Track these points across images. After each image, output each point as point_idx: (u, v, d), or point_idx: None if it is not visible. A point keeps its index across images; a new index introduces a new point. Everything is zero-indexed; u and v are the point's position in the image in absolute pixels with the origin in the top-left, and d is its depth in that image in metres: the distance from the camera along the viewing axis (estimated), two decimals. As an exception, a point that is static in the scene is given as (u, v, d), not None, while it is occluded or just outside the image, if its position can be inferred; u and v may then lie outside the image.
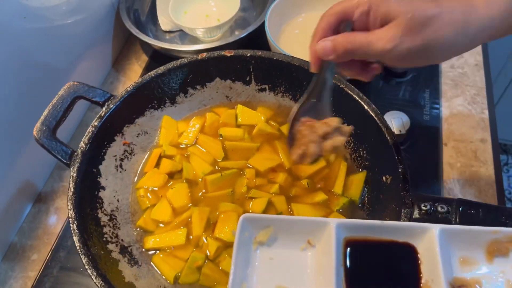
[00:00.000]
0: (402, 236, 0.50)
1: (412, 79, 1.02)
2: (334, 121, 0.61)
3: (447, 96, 1.00)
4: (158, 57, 1.06)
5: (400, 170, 0.66)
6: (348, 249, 0.50)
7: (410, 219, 0.61)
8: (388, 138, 0.69)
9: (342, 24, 0.53)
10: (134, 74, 1.06)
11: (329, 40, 0.52)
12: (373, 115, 0.71)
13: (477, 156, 0.90)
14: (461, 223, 0.58)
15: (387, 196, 0.67)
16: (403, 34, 0.46)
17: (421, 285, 0.47)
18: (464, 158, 0.90)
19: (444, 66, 1.05)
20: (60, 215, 0.85)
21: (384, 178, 0.69)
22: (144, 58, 1.10)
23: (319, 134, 0.60)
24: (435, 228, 0.48)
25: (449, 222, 0.59)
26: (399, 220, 0.61)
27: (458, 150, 0.91)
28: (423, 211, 0.61)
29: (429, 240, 0.48)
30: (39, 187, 0.88)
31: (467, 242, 0.49)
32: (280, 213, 0.70)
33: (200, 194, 0.73)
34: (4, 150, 0.76)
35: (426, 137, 0.91)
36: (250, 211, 0.70)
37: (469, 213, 0.58)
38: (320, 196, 0.71)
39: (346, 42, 0.50)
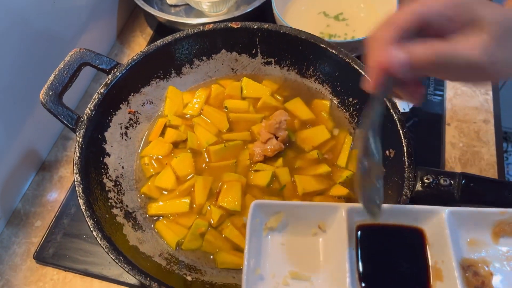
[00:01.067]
0: (411, 219, 0.50)
1: (417, 59, 1.01)
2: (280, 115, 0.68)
3: (452, 77, 0.99)
4: (163, 30, 1.05)
5: (404, 144, 0.66)
6: (359, 233, 0.50)
7: (413, 192, 0.61)
8: (393, 112, 0.69)
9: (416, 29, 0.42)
10: (138, 47, 1.06)
11: (402, 49, 0.40)
12: (378, 89, 0.71)
13: (480, 137, 0.90)
14: (463, 196, 0.59)
15: (390, 170, 0.67)
16: (496, 42, 0.39)
17: (430, 266, 0.48)
18: (467, 138, 0.90)
19: (450, 47, 1.04)
20: (64, 183, 0.86)
21: (387, 152, 0.69)
22: (148, 32, 1.09)
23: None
24: (443, 211, 0.48)
25: (452, 196, 0.59)
26: (402, 193, 0.62)
27: (461, 130, 0.91)
28: (425, 184, 0.61)
29: (438, 223, 0.48)
30: (43, 156, 0.89)
31: (474, 224, 0.49)
32: (284, 186, 0.70)
33: (203, 164, 0.73)
34: (10, 118, 0.76)
35: (429, 117, 0.92)
36: (253, 184, 0.71)
37: (472, 187, 0.59)
38: (324, 168, 0.71)
39: (430, 52, 0.40)
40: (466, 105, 0.95)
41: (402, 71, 0.40)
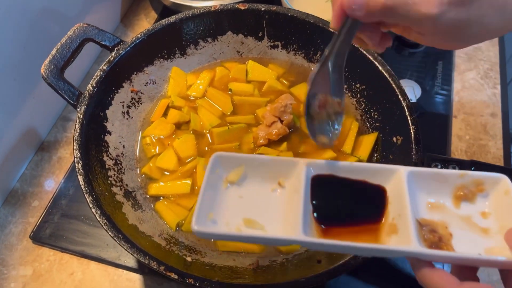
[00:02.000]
0: (373, 177, 0.50)
1: (425, 50, 1.00)
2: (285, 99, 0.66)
3: (460, 69, 0.98)
4: (167, 14, 1.03)
5: (411, 130, 0.65)
6: (318, 186, 0.49)
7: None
8: (401, 99, 0.68)
9: None
10: (142, 30, 1.04)
11: None
12: (387, 76, 0.70)
13: (487, 130, 0.89)
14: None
15: (397, 157, 0.66)
16: (451, 2, 0.40)
17: (386, 222, 0.47)
18: (473, 131, 0.89)
19: (459, 39, 1.03)
20: (63, 164, 0.84)
21: (394, 138, 0.68)
22: (153, 15, 1.08)
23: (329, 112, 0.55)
24: (403, 170, 0.47)
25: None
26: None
27: (468, 123, 0.90)
28: (433, 171, 0.60)
29: (398, 181, 0.47)
30: (43, 136, 0.87)
31: (435, 187, 0.48)
32: None
33: (206, 146, 0.72)
34: (10, 96, 0.75)
35: (436, 108, 0.90)
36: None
37: (481, 173, 0.57)
38: (329, 154, 0.70)
39: None
40: (473, 98, 0.93)
41: (358, 13, 0.43)
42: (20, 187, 0.81)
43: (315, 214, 0.47)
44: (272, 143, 0.72)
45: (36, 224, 0.75)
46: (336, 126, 0.53)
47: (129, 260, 0.70)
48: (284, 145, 0.71)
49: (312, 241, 0.44)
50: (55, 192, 0.79)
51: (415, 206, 0.47)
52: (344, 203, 0.49)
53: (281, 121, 0.71)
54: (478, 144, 0.87)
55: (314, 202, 0.48)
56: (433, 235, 0.44)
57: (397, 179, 0.48)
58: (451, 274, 0.41)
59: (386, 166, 0.49)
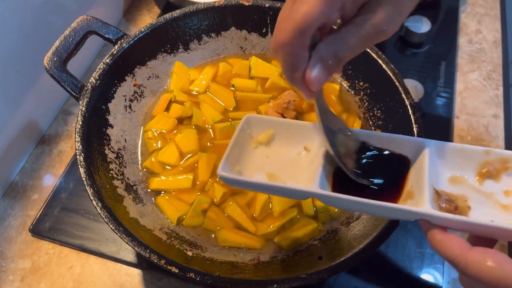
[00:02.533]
0: (397, 147, 0.50)
1: (428, 51, 1.00)
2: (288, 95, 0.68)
3: (462, 70, 0.98)
4: (170, 9, 1.02)
5: (415, 129, 0.65)
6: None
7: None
8: (405, 97, 0.67)
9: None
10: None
11: (315, 63, 0.40)
12: (391, 74, 0.70)
13: (489, 131, 0.89)
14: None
15: (400, 155, 0.66)
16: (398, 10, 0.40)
17: (405, 189, 0.47)
18: (475, 132, 0.89)
19: (462, 40, 1.03)
20: (63, 157, 0.84)
21: (397, 137, 0.67)
22: (156, 11, 1.07)
23: None
24: (428, 142, 0.48)
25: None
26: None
27: (470, 124, 0.90)
28: (436, 169, 0.59)
29: (421, 152, 0.48)
30: (44, 129, 0.87)
31: (459, 162, 0.48)
32: None
33: (208, 141, 0.72)
34: (11, 87, 0.74)
35: (438, 108, 0.90)
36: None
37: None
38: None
39: (339, 52, 0.41)
40: (476, 99, 0.93)
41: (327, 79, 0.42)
42: (20, 180, 0.81)
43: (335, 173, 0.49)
44: None
45: (35, 217, 0.74)
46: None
47: (129, 254, 0.70)
48: None
49: (327, 194, 0.45)
50: (55, 186, 0.78)
51: (436, 177, 0.47)
52: (367, 168, 0.50)
53: (284, 117, 0.71)
54: (479, 145, 0.87)
55: (335, 173, 0.49)
56: (450, 204, 0.44)
57: (420, 151, 0.48)
58: (463, 239, 0.40)
59: (412, 138, 0.50)
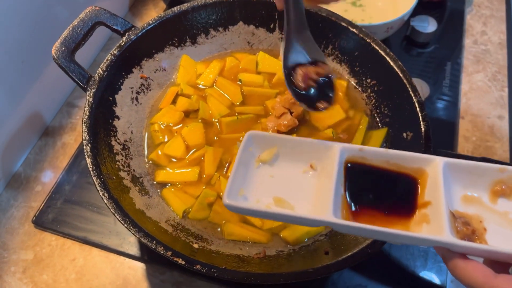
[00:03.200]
0: (407, 166, 0.49)
1: (434, 51, 1.00)
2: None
3: (468, 71, 0.98)
4: (176, 4, 1.03)
5: (422, 127, 0.64)
6: (351, 172, 0.49)
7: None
8: (413, 95, 0.67)
9: None
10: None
11: None
12: (399, 71, 0.70)
13: (493, 132, 0.89)
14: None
15: (407, 152, 0.66)
16: None
17: (418, 212, 0.46)
18: (480, 132, 0.89)
19: (468, 41, 1.03)
20: (67, 150, 0.83)
21: (404, 134, 0.67)
22: (162, 6, 1.07)
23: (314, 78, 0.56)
24: (440, 160, 0.47)
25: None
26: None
27: (475, 124, 0.90)
28: (444, 167, 0.59)
29: (433, 171, 0.47)
30: (48, 121, 0.87)
31: (471, 179, 0.47)
32: None
33: (214, 135, 0.71)
34: (17, 78, 0.74)
35: (443, 108, 0.90)
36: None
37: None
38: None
39: None
40: (481, 99, 0.93)
41: None
42: (23, 171, 0.81)
43: (346, 198, 0.47)
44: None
45: (38, 209, 0.74)
46: (327, 90, 0.54)
47: (132, 248, 0.70)
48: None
49: (342, 223, 0.43)
50: (58, 178, 0.78)
51: (449, 197, 0.46)
52: (376, 190, 0.48)
53: (291, 113, 0.70)
54: (484, 145, 0.87)
55: (346, 186, 0.48)
56: (467, 228, 0.43)
57: (432, 169, 0.47)
58: (485, 266, 0.40)
59: (422, 155, 0.48)
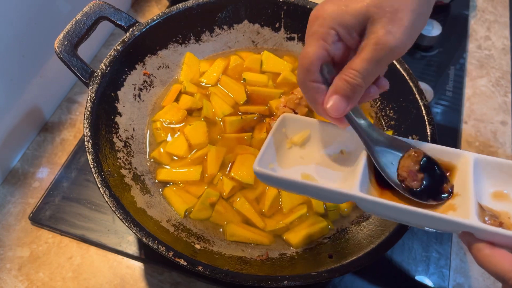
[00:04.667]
0: (439, 158, 0.49)
1: (437, 55, 1.00)
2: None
3: (471, 76, 0.98)
4: (178, 2, 1.02)
5: (428, 130, 0.64)
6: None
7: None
8: (419, 98, 0.67)
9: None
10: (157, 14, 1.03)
11: (330, 94, 0.44)
12: (405, 74, 0.69)
13: (497, 137, 0.88)
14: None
15: (412, 155, 0.65)
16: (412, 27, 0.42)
17: (446, 202, 0.46)
18: (483, 138, 0.88)
19: (471, 46, 1.03)
20: (66, 146, 0.82)
21: (410, 138, 0.66)
22: (164, 3, 1.06)
23: None
24: (471, 155, 0.47)
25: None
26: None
27: (478, 130, 0.89)
28: (450, 171, 0.59)
29: (464, 165, 0.47)
30: (47, 116, 0.85)
31: (502, 178, 0.47)
32: None
33: (217, 134, 0.70)
34: (16, 72, 0.72)
35: (446, 112, 0.90)
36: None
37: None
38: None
39: (350, 80, 0.43)
40: (484, 105, 0.93)
41: (348, 108, 0.45)
42: (21, 167, 0.79)
43: (375, 180, 0.47)
44: None
45: (36, 205, 0.73)
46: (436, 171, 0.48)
47: (130, 247, 0.69)
48: None
49: (368, 198, 0.43)
50: (56, 174, 0.76)
51: (478, 191, 0.45)
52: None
53: (295, 113, 0.69)
54: (487, 151, 0.86)
55: (374, 172, 0.48)
56: (494, 220, 0.42)
57: (462, 163, 0.47)
58: None
59: (452, 150, 0.48)
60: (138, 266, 0.69)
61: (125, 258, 0.69)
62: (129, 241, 0.69)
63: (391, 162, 0.47)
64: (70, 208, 0.72)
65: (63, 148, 0.82)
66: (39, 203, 0.73)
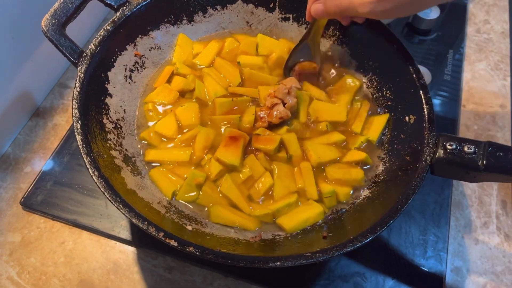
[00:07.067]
0: None
1: (435, 38, 0.98)
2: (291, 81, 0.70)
3: (470, 59, 0.96)
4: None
5: (425, 110, 0.62)
6: None
7: (433, 158, 0.58)
8: (416, 77, 0.65)
9: None
10: None
11: (320, 3, 0.62)
12: (402, 53, 0.67)
13: (495, 121, 0.87)
14: (488, 165, 0.55)
15: (409, 136, 0.64)
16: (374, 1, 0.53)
17: None
18: (482, 121, 0.87)
19: (470, 30, 1.01)
20: (58, 131, 0.81)
21: (407, 118, 0.65)
22: (158, -13, 1.04)
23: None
24: None
25: (475, 164, 0.56)
26: (421, 159, 0.58)
27: (477, 113, 0.88)
28: (448, 150, 0.57)
29: None
30: (39, 101, 0.84)
31: None
32: (291, 156, 0.66)
33: (209, 116, 0.69)
34: (7, 56, 0.71)
35: (445, 96, 0.88)
36: (259, 146, 0.66)
37: (498, 155, 0.55)
38: (337, 136, 0.67)
39: (335, 5, 0.58)
40: (483, 88, 0.92)
41: (322, 16, 0.63)
42: (12, 152, 0.78)
43: None
44: (272, 127, 0.68)
45: (27, 190, 0.72)
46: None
47: (123, 231, 0.68)
48: (284, 129, 0.68)
49: None
50: (48, 159, 0.75)
51: None
52: None
53: (284, 104, 0.68)
54: (486, 134, 0.85)
55: None
56: None
57: None
58: None
59: None
60: (131, 250, 0.68)
61: (118, 243, 0.68)
62: (122, 226, 0.68)
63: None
64: (62, 193, 0.71)
65: (55, 133, 0.81)
66: (30, 188, 0.72)
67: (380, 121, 0.69)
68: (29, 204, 0.70)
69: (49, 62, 0.82)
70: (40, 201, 0.70)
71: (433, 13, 0.96)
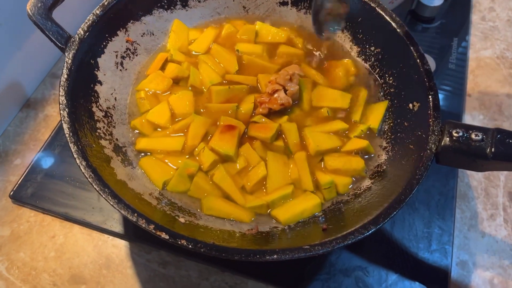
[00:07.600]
0: None
1: (439, 26, 0.95)
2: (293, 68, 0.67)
3: (475, 48, 0.93)
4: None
5: (430, 97, 0.60)
6: None
7: (438, 147, 0.55)
8: (420, 63, 0.62)
9: None
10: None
11: None
12: (405, 38, 0.65)
13: (502, 110, 0.84)
14: (497, 153, 0.52)
15: (413, 124, 0.61)
16: None
17: None
18: (488, 111, 0.84)
19: (475, 18, 0.98)
20: (49, 122, 0.78)
21: (410, 105, 0.62)
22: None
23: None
24: None
25: (483, 152, 0.53)
26: (426, 147, 0.55)
27: (482, 102, 0.85)
28: (454, 138, 0.55)
29: None
30: (29, 92, 0.81)
31: None
32: (288, 146, 0.63)
33: (204, 105, 0.66)
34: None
35: (449, 84, 0.86)
36: (254, 135, 0.63)
37: (508, 142, 0.52)
38: (339, 125, 0.64)
39: None
40: (489, 77, 0.89)
41: None
42: (2, 143, 0.76)
43: None
44: (272, 114, 0.65)
45: (17, 183, 0.69)
46: (336, 26, 0.67)
47: (116, 225, 0.65)
48: (285, 118, 0.65)
49: None
50: (39, 151, 0.73)
51: None
52: None
53: (285, 91, 0.65)
54: (492, 124, 0.82)
55: None
56: None
57: None
58: None
59: None
60: (124, 245, 0.65)
61: (111, 237, 0.66)
62: (115, 219, 0.66)
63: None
64: (53, 186, 0.69)
65: (47, 124, 0.78)
66: (20, 180, 0.69)
67: (379, 109, 0.66)
68: (18, 197, 0.68)
69: (40, 51, 0.79)
70: (30, 194, 0.68)
71: (436, 0, 0.93)
